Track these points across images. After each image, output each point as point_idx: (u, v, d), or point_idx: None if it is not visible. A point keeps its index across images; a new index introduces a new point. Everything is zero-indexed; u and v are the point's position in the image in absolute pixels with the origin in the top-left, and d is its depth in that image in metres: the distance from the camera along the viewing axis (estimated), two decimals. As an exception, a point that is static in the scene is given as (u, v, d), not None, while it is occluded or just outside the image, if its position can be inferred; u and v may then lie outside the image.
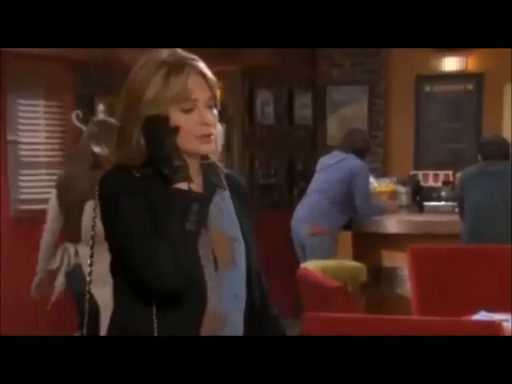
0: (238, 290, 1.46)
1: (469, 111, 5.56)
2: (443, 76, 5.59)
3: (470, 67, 5.50)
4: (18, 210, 4.49)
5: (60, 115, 4.77)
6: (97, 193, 1.42)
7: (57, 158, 4.78)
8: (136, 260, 1.35)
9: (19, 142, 4.52)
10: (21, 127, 4.52)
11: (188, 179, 1.39)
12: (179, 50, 1.45)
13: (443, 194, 5.23)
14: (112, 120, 3.28)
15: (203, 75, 1.41)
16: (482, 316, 2.80)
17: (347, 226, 4.47)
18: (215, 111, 1.43)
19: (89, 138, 3.35)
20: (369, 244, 4.46)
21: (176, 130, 1.39)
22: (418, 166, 5.68)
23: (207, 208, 1.42)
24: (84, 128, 4.35)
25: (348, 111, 5.87)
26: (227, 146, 5.45)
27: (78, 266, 3.20)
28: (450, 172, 5.36)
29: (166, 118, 1.38)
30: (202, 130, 1.40)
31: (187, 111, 1.39)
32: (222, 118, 1.53)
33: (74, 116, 4.28)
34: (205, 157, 1.47)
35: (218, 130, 1.47)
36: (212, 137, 1.42)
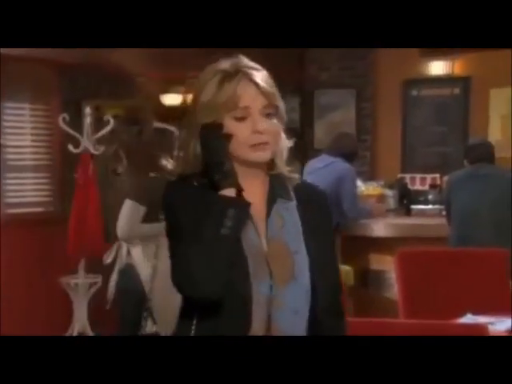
0: (299, 305, 1.41)
1: (455, 115, 5.59)
2: (430, 80, 5.62)
3: (456, 71, 5.53)
4: (4, 213, 4.46)
5: (46, 118, 4.75)
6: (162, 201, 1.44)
7: (43, 162, 4.75)
8: (176, 263, 1.36)
9: (5, 146, 4.49)
10: (7, 130, 4.49)
11: (236, 186, 1.37)
12: (242, 59, 1.45)
13: (430, 197, 5.25)
14: (172, 128, 3.44)
15: (255, 83, 1.39)
16: (468, 319, 2.81)
17: (335, 230, 4.47)
18: (275, 120, 1.42)
19: (142, 144, 3.50)
20: (356, 247, 4.47)
21: (228, 137, 1.39)
22: (405, 169, 5.70)
23: (246, 214, 1.38)
24: (71, 131, 4.32)
25: (336, 115, 5.88)
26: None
27: (129, 266, 3.24)
28: (437, 175, 5.37)
29: (219, 126, 1.39)
30: (255, 138, 1.39)
31: (240, 119, 1.40)
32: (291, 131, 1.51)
33: (61, 119, 4.25)
34: (271, 167, 1.45)
35: (283, 141, 1.46)
36: (267, 145, 1.40)
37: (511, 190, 3.82)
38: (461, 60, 5.45)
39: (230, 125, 1.39)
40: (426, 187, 5.45)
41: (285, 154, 1.47)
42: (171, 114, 5.42)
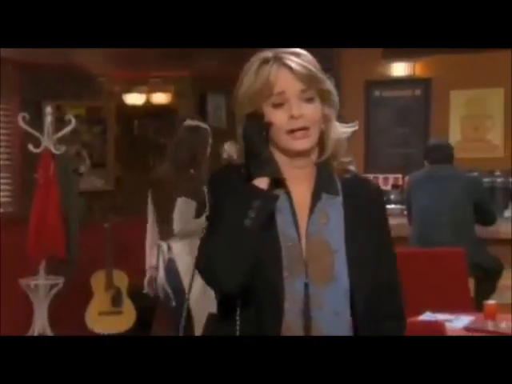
0: (339, 307, 1.34)
1: (417, 116, 5.67)
2: (392, 81, 5.68)
3: (417, 73, 5.61)
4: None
5: (6, 118, 4.67)
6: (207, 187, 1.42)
7: (3, 161, 4.67)
8: (199, 249, 1.33)
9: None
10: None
11: (272, 175, 1.32)
12: (282, 48, 1.38)
13: (392, 197, 5.32)
14: (203, 125, 3.53)
15: (289, 67, 1.33)
16: (427, 316, 2.86)
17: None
18: (317, 104, 1.34)
19: (179, 142, 3.50)
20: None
21: (267, 125, 1.33)
22: (368, 169, 5.76)
23: (271, 206, 1.31)
24: (31, 131, 4.25)
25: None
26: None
27: (171, 261, 3.33)
28: (400, 176, 5.44)
29: (258, 115, 1.34)
30: (291, 123, 1.33)
31: (277, 106, 1.34)
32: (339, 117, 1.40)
33: (21, 119, 4.19)
34: (320, 155, 1.37)
35: (334, 127, 1.37)
36: (307, 132, 1.33)
37: (469, 191, 3.89)
38: (422, 62, 5.53)
39: (269, 112, 1.34)
40: (389, 187, 5.51)
41: (335, 142, 1.37)
42: (135, 113, 5.39)
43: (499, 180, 4.95)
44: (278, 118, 1.34)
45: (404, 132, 5.74)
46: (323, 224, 1.35)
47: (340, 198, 1.38)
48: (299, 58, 1.35)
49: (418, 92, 5.62)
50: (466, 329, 2.76)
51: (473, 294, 3.70)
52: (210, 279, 1.30)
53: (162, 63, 5.15)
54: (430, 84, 5.53)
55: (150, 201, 3.58)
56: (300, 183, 1.37)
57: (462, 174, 4.01)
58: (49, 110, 4.32)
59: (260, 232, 1.29)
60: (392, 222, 4.78)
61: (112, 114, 5.28)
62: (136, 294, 5.03)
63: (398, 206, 4.92)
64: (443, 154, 4.03)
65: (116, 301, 4.79)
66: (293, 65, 1.33)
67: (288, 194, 1.36)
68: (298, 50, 1.37)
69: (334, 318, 1.34)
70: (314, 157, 1.38)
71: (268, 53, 1.37)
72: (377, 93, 5.76)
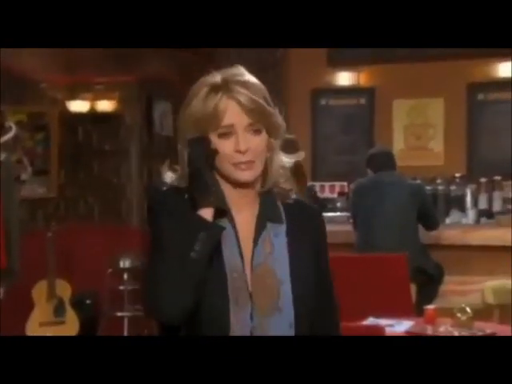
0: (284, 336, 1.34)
1: (362, 124, 5.79)
2: (337, 90, 5.79)
3: (362, 82, 5.73)
4: None
5: None
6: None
7: None
8: (144, 277, 1.33)
9: None
10: None
11: (216, 205, 1.32)
12: (233, 71, 1.37)
13: (338, 204, 5.41)
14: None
15: (238, 101, 1.32)
16: (370, 322, 2.91)
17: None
18: (263, 136, 1.35)
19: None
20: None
21: (213, 152, 1.33)
22: (315, 177, 5.84)
23: (216, 239, 1.31)
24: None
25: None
26: (125, 157, 5.38)
27: None
28: (345, 183, 5.54)
29: (203, 140, 1.33)
30: (237, 157, 1.33)
31: (223, 136, 1.33)
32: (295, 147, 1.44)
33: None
34: (263, 184, 1.38)
35: (277, 156, 1.38)
36: (252, 164, 1.34)
37: (413, 197, 3.99)
38: (366, 71, 5.66)
39: (215, 141, 1.34)
40: (335, 195, 5.60)
41: (278, 170, 1.39)
42: (78, 119, 5.31)
43: (440, 188, 5.11)
44: (223, 148, 1.34)
45: (349, 140, 5.85)
46: (268, 253, 1.36)
47: (284, 226, 1.39)
48: (249, 90, 1.34)
49: (362, 101, 5.75)
50: (407, 333, 2.83)
51: (415, 298, 3.79)
52: (153, 310, 1.30)
53: (107, 68, 5.10)
54: (374, 93, 5.66)
55: None
56: (243, 211, 1.38)
57: (405, 180, 4.12)
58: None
59: (205, 264, 1.30)
60: (339, 229, 4.84)
61: (55, 121, 5.19)
62: (79, 303, 4.95)
63: (345, 214, 5.00)
64: (386, 161, 4.13)
65: (58, 311, 4.70)
66: (242, 98, 1.33)
67: (232, 222, 1.36)
68: (247, 78, 1.37)
69: None
70: (257, 185, 1.39)
71: (217, 78, 1.36)
72: (323, 101, 5.85)
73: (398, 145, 5.50)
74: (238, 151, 1.33)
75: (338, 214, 5.17)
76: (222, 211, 1.34)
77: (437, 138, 5.52)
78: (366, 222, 4.08)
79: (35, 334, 4.62)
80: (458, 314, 2.87)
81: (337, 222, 4.94)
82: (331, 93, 5.82)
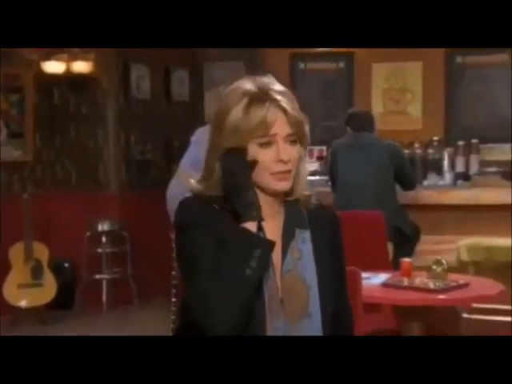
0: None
1: (341, 89, 5.80)
2: (316, 54, 5.79)
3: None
4: None
5: None
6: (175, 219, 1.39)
7: None
8: (192, 295, 1.31)
9: None
10: None
11: (258, 219, 1.34)
12: (265, 80, 1.39)
13: (317, 168, 5.43)
14: None
15: (284, 110, 1.35)
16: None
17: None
18: (298, 147, 1.38)
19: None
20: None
21: (253, 163, 1.35)
22: (293, 142, 5.85)
23: (270, 254, 1.34)
24: None
25: (225, 88, 5.93)
26: (102, 121, 5.34)
27: None
28: (324, 148, 5.56)
29: (243, 151, 1.35)
30: (278, 166, 1.35)
31: (265, 145, 1.35)
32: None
33: None
34: (288, 193, 1.40)
35: (304, 166, 1.42)
36: (289, 174, 1.36)
37: (390, 157, 4.03)
38: (345, 35, 5.65)
39: (254, 150, 1.35)
40: (314, 160, 5.63)
41: (305, 179, 1.43)
42: (54, 82, 5.24)
43: (418, 152, 5.15)
44: (264, 158, 1.35)
45: (328, 105, 5.86)
46: (297, 259, 1.39)
47: (308, 232, 1.42)
48: (290, 101, 1.38)
49: (341, 65, 5.75)
50: (383, 285, 2.89)
51: (392, 257, 3.85)
52: (205, 328, 1.30)
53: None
54: (353, 57, 5.67)
55: None
56: (271, 219, 1.40)
57: (381, 141, 4.15)
58: None
59: (258, 280, 1.32)
60: (317, 190, 4.86)
61: (30, 83, 5.12)
62: (57, 267, 4.95)
63: (323, 178, 5.04)
64: (366, 122, 4.15)
65: (36, 273, 4.69)
66: (288, 108, 1.36)
67: (262, 231, 1.38)
68: (283, 87, 1.40)
69: None
70: (283, 193, 1.42)
71: (252, 88, 1.37)
72: (302, 65, 5.85)
73: (377, 109, 5.52)
74: (280, 161, 1.35)
75: (317, 177, 5.20)
76: (260, 224, 1.37)
77: (415, 103, 5.55)
78: (344, 183, 4.11)
79: (14, 296, 4.62)
80: (434, 266, 2.93)
81: (315, 185, 4.98)
82: (310, 57, 5.81)
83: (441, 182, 4.90)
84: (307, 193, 1.44)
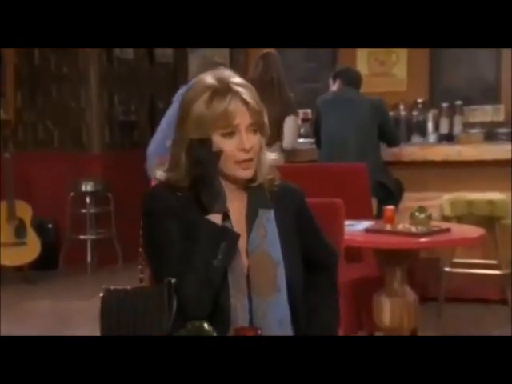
0: (283, 315, 1.47)
1: (325, 51, 5.84)
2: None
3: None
4: None
5: None
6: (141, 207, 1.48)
7: None
8: (158, 282, 1.41)
9: None
10: None
11: (224, 210, 1.43)
12: (225, 73, 1.48)
13: (302, 131, 5.49)
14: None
15: (245, 102, 1.44)
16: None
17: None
18: (258, 135, 1.47)
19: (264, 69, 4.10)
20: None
21: (218, 153, 1.43)
22: (278, 105, 5.89)
23: (236, 245, 1.44)
24: None
25: (209, 49, 5.94)
26: (84, 81, 5.34)
27: None
28: (309, 110, 5.61)
29: (208, 141, 1.43)
30: (241, 155, 1.44)
31: (228, 135, 1.44)
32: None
33: None
34: (251, 180, 1.49)
35: (265, 154, 1.51)
36: (252, 162, 1.46)
37: (373, 113, 4.09)
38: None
39: (218, 141, 1.44)
40: (299, 122, 5.68)
41: (267, 166, 1.52)
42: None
43: (403, 113, 5.23)
44: (228, 147, 1.44)
45: (312, 67, 5.90)
46: (263, 237, 1.48)
47: (272, 211, 1.51)
48: (250, 92, 1.46)
49: (326, 25, 5.78)
50: (366, 230, 2.96)
51: (375, 212, 3.94)
52: (183, 311, 1.41)
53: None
54: (338, 18, 5.69)
55: None
56: (234, 202, 1.49)
57: (365, 97, 4.21)
58: None
59: (225, 268, 1.43)
60: (302, 147, 4.92)
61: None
62: (40, 228, 4.99)
63: (308, 140, 5.10)
64: (355, 79, 4.22)
65: (19, 232, 4.72)
66: (249, 100, 1.44)
67: (228, 219, 1.47)
68: (242, 80, 1.48)
69: (278, 326, 1.46)
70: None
71: (213, 81, 1.46)
72: (286, 26, 5.86)
73: (362, 71, 5.49)
74: (243, 149, 1.44)
75: (302, 140, 5.26)
76: (226, 213, 1.45)
77: (400, 64, 5.61)
78: (328, 139, 4.17)
79: (-4, 255, 4.65)
80: (417, 213, 3.01)
81: (300, 148, 5.04)
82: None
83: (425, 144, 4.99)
84: (270, 177, 1.53)
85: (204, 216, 1.42)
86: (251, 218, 1.49)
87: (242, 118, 1.44)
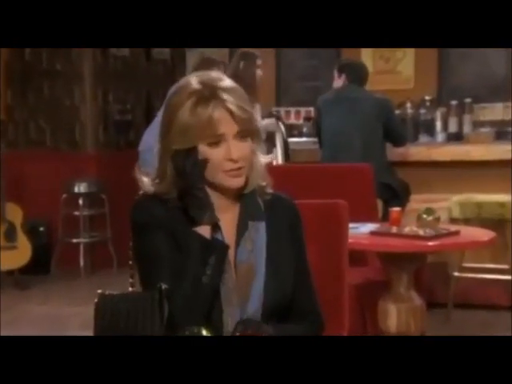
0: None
1: (327, 49, 5.81)
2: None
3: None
4: None
5: None
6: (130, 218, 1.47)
7: None
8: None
9: None
10: None
11: (213, 220, 1.42)
12: (213, 77, 1.43)
13: (305, 129, 5.48)
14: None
15: (230, 111, 1.39)
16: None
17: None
18: (249, 142, 1.43)
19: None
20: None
21: (203, 162, 1.40)
22: (280, 103, 5.89)
23: (225, 258, 1.43)
24: None
25: (207, 48, 5.94)
26: (78, 78, 5.33)
27: None
28: (311, 108, 5.60)
29: (193, 151, 1.40)
30: (229, 165, 1.41)
31: (214, 145, 1.40)
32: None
33: None
34: (242, 188, 1.47)
35: (258, 159, 1.48)
36: (241, 171, 1.43)
37: (378, 112, 4.07)
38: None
39: (204, 150, 1.41)
40: (301, 121, 5.67)
41: (259, 172, 1.49)
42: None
43: (410, 112, 5.20)
44: (214, 157, 1.41)
45: (314, 65, 5.89)
46: (250, 251, 1.47)
47: (264, 223, 1.49)
48: (236, 97, 1.41)
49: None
50: (372, 233, 2.94)
51: (381, 214, 3.91)
52: (172, 322, 1.39)
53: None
54: (342, 13, 5.68)
55: None
56: (226, 213, 1.47)
57: (370, 95, 4.18)
58: None
59: (215, 283, 1.42)
60: (304, 147, 4.91)
61: None
62: (32, 230, 4.97)
63: (311, 139, 5.08)
64: (361, 75, 4.19)
65: (9, 235, 4.70)
66: (233, 108, 1.40)
67: (218, 229, 1.46)
68: (231, 83, 1.44)
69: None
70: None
71: (198, 86, 1.42)
72: (288, 21, 5.85)
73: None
74: (230, 159, 1.41)
75: (304, 139, 5.25)
76: (216, 223, 1.44)
77: (406, 61, 5.59)
78: (331, 139, 4.15)
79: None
80: (424, 215, 2.99)
81: (303, 146, 5.02)
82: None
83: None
84: (263, 183, 1.50)
85: (193, 228, 1.42)
86: (241, 230, 1.48)
87: (228, 127, 1.40)
